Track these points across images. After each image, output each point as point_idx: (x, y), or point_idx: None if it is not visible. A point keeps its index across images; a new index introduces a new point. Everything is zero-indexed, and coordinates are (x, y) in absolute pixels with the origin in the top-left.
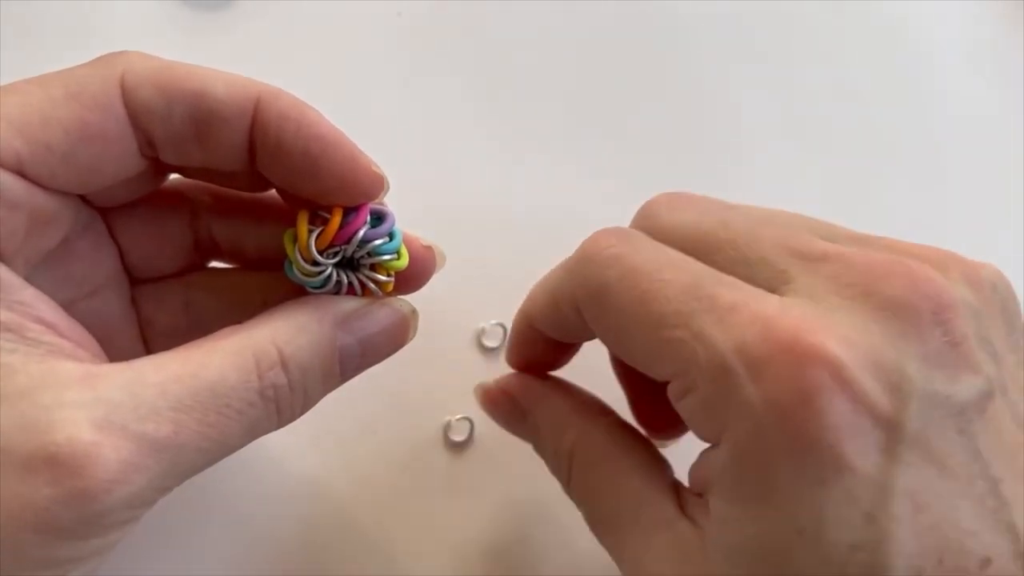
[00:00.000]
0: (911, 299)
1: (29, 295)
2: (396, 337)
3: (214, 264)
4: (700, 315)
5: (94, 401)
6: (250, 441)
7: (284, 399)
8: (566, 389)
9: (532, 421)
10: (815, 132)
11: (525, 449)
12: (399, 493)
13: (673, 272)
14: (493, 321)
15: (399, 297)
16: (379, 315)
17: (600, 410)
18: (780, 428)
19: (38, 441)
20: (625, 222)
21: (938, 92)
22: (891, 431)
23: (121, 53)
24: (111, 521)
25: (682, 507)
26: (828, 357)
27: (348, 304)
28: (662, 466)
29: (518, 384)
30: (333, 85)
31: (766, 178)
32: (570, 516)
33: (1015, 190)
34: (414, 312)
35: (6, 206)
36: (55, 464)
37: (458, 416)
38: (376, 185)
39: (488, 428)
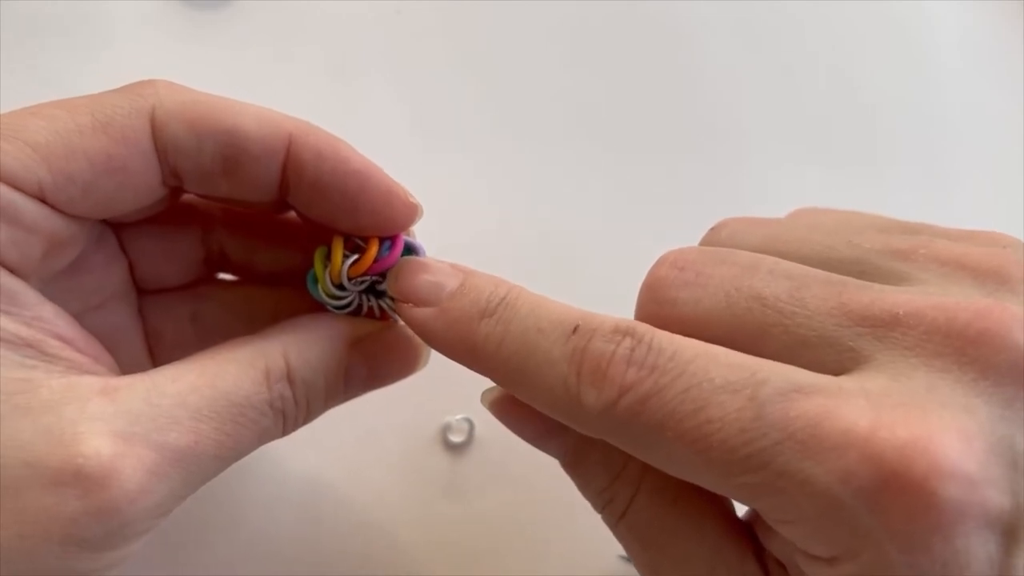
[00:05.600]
0: (1012, 359)
1: (47, 311)
2: (406, 364)
3: (223, 276)
4: (777, 450)
5: (115, 413)
6: (256, 448)
7: (289, 410)
8: None
9: (576, 440)
10: (816, 133)
11: (525, 450)
12: (398, 494)
13: (719, 404)
14: None
15: None
16: (392, 341)
17: None
18: (910, 558)
19: (64, 454)
20: (628, 221)
21: (939, 93)
22: (1013, 522)
23: (151, 83)
24: (133, 532)
25: (763, 567)
26: (944, 475)
27: (363, 326)
28: (734, 512)
29: None
30: (331, 83)
31: (766, 180)
32: (568, 517)
33: (1016, 190)
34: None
35: (25, 229)
36: (82, 477)
37: (457, 417)
38: (411, 215)
39: (488, 429)
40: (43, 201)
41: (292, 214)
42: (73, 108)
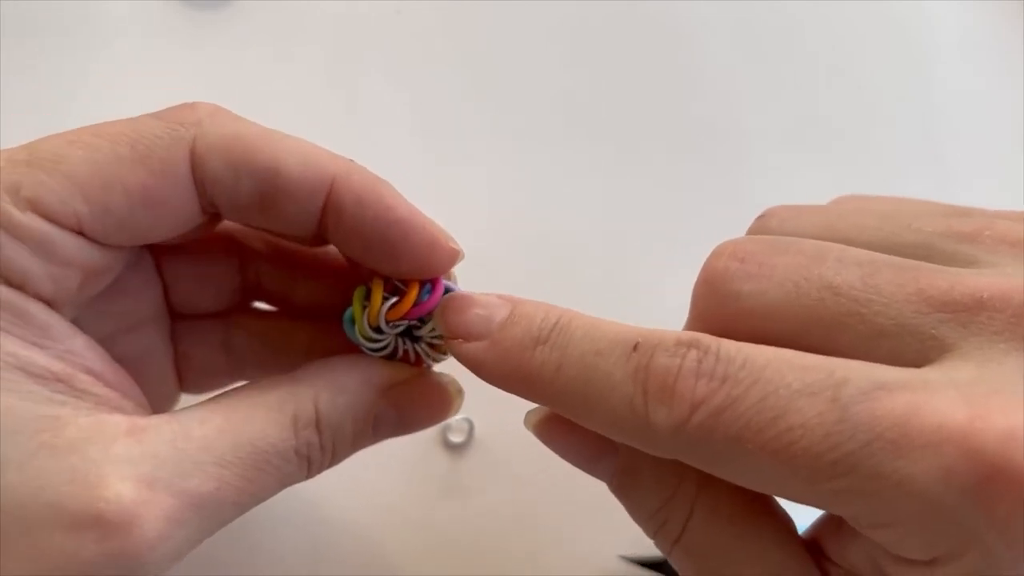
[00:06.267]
0: None
1: (79, 344)
2: (437, 413)
3: (258, 305)
4: (866, 452)
5: (140, 456)
6: (278, 492)
7: (315, 456)
8: None
9: (626, 461)
10: (816, 133)
11: (524, 450)
12: (398, 494)
13: (798, 410)
14: None
15: (450, 375)
16: (424, 389)
17: None
18: (1018, 553)
19: (86, 497)
20: (629, 222)
21: (939, 93)
22: None
23: (193, 109)
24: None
25: None
26: None
27: (396, 372)
28: (795, 531)
29: None
30: (331, 83)
31: (767, 180)
32: (568, 517)
33: (1017, 190)
34: (460, 392)
35: (61, 264)
36: (102, 522)
37: (457, 417)
38: (452, 260)
39: (487, 429)
40: (80, 233)
41: (332, 248)
42: (113, 137)
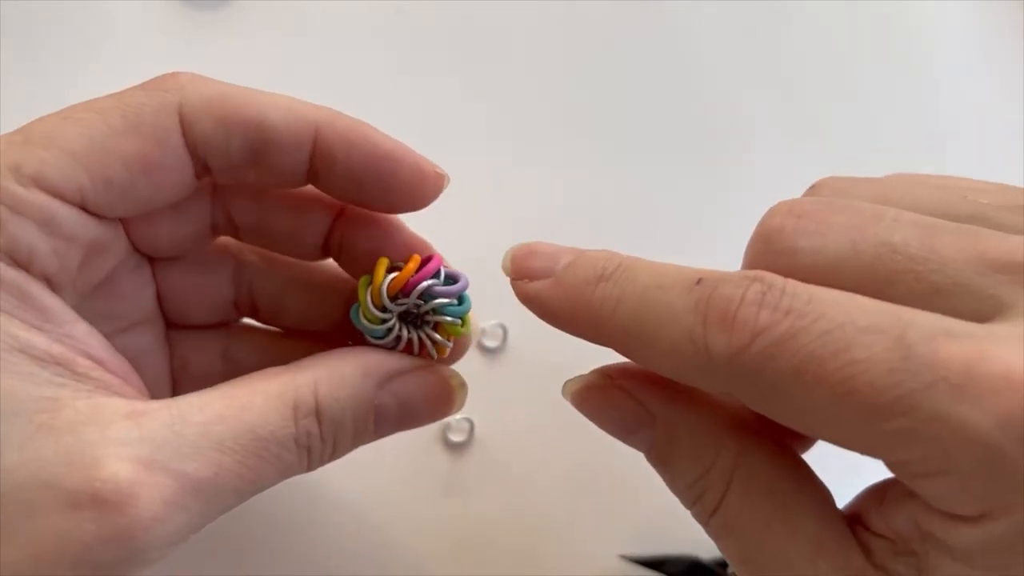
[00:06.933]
0: None
1: (80, 330)
2: (438, 407)
3: (251, 323)
4: (928, 393)
5: (139, 439)
6: (278, 483)
7: (315, 447)
8: (706, 395)
9: (664, 432)
10: (815, 132)
11: (524, 450)
12: (398, 493)
13: (864, 345)
14: (493, 321)
15: (452, 368)
16: (424, 381)
17: (759, 427)
18: None
19: (83, 477)
20: (627, 222)
21: (939, 93)
22: None
23: (174, 77)
24: (146, 559)
25: (868, 557)
26: None
27: (396, 363)
28: (834, 503)
29: (642, 381)
30: (332, 82)
31: (767, 181)
32: (568, 517)
33: None
34: (463, 385)
35: (65, 239)
36: (99, 502)
37: (457, 416)
38: (439, 185)
39: (487, 429)
40: (83, 208)
41: (329, 262)
42: (103, 110)
